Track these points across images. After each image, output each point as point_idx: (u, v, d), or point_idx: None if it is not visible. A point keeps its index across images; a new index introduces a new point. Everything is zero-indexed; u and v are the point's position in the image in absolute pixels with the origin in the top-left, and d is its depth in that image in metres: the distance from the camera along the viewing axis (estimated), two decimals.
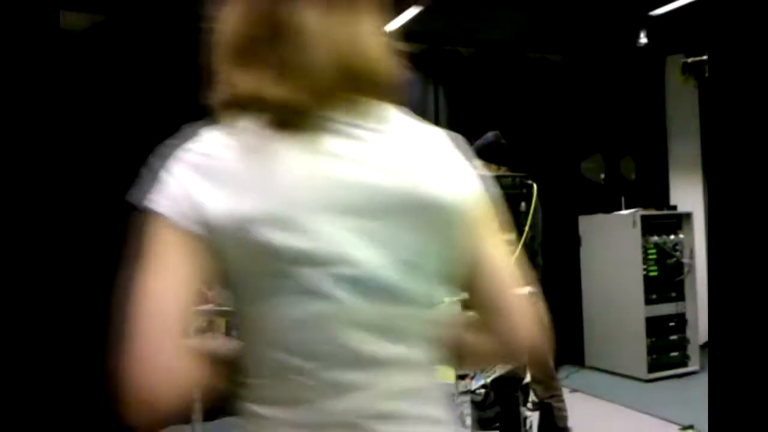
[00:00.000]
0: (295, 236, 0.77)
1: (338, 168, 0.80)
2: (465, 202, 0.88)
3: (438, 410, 0.92)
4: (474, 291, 0.93)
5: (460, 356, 1.06)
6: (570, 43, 5.47)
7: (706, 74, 4.89)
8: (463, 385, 2.03)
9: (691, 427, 3.79)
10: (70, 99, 3.75)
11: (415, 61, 5.10)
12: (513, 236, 2.16)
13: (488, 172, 3.15)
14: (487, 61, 5.33)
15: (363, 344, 0.81)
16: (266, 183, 0.78)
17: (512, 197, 2.15)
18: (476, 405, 3.85)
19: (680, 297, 5.20)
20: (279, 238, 0.77)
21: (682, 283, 5.22)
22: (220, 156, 0.79)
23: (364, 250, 0.80)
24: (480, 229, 0.90)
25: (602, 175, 5.35)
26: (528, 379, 2.54)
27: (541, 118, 5.48)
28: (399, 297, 0.83)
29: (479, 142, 3.22)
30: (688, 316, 5.21)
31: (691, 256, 5.21)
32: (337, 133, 0.82)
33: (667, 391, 4.70)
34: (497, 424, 3.66)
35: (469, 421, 2.05)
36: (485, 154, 3.15)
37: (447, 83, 5.20)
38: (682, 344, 5.18)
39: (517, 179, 2.16)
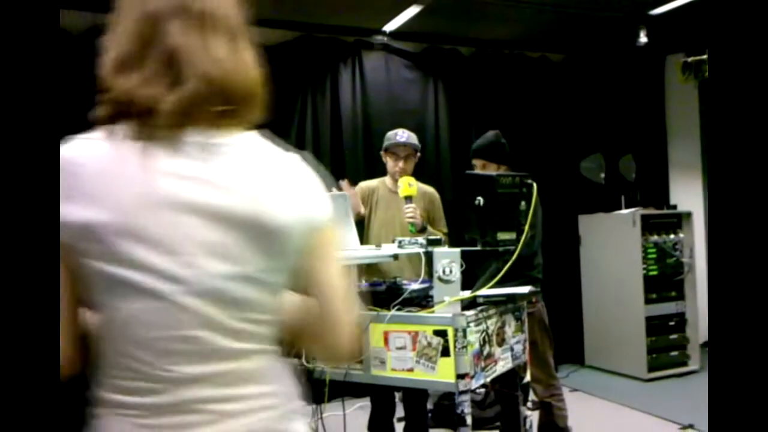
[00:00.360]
0: (141, 245, 0.87)
1: (187, 187, 0.89)
2: (303, 226, 0.98)
3: (275, 387, 1.02)
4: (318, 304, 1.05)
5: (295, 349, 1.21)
6: (570, 42, 5.47)
7: (707, 73, 4.89)
8: (464, 384, 2.03)
9: (690, 426, 3.80)
10: (71, 99, 3.75)
11: (415, 60, 5.11)
12: (513, 235, 2.16)
13: (489, 171, 3.16)
14: (487, 61, 5.33)
15: (207, 341, 0.92)
16: (118, 194, 0.87)
17: (512, 196, 2.15)
18: (476, 404, 3.86)
19: (680, 296, 5.21)
20: (126, 246, 0.86)
21: (681, 282, 5.22)
22: (82, 164, 0.88)
23: (207, 261, 0.90)
24: (316, 251, 1.01)
25: (602, 175, 5.35)
26: (528, 378, 2.54)
27: (541, 117, 5.48)
28: (239, 303, 0.94)
29: (479, 141, 3.22)
30: (688, 316, 5.22)
31: (691, 256, 5.21)
32: (191, 151, 0.90)
33: (666, 390, 4.71)
34: (497, 423, 3.67)
35: (469, 420, 2.05)
36: (485, 153, 3.15)
37: (447, 82, 5.20)
38: (682, 343, 5.18)
39: (517, 178, 2.16)
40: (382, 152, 3.38)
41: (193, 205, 0.89)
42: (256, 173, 0.94)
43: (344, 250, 1.12)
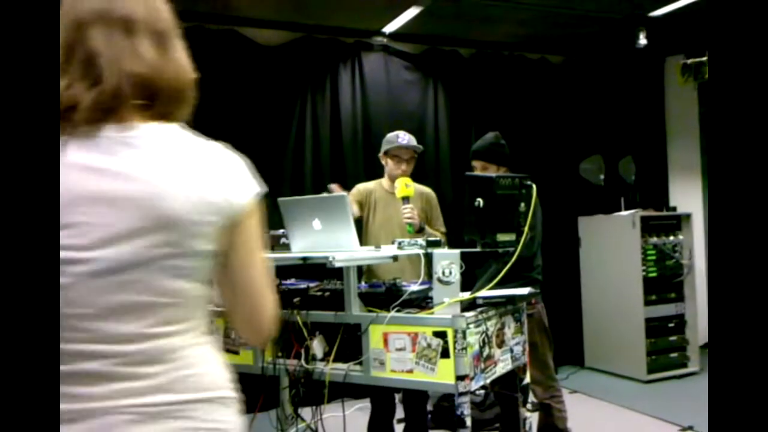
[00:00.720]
0: (64, 231, 0.95)
1: (96, 178, 0.97)
2: (212, 213, 1.02)
3: (188, 369, 1.05)
4: (225, 291, 1.11)
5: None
6: (570, 44, 5.48)
7: (706, 75, 4.90)
8: (463, 385, 2.03)
9: (690, 428, 3.80)
10: None
11: (415, 61, 5.11)
12: (513, 237, 2.16)
13: (489, 173, 3.16)
14: (487, 62, 5.33)
15: (108, 321, 0.99)
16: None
17: (511, 198, 2.15)
18: (476, 406, 3.85)
19: (680, 298, 5.21)
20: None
21: (681, 284, 5.22)
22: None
23: (111, 247, 0.97)
24: (234, 239, 1.06)
25: (602, 176, 5.35)
26: (528, 379, 2.54)
27: (540, 119, 5.48)
28: (143, 286, 0.99)
29: (479, 143, 3.22)
30: (688, 317, 5.22)
31: (691, 257, 5.22)
32: (103, 145, 0.98)
33: (666, 392, 4.71)
34: (497, 425, 3.66)
35: (468, 421, 2.05)
36: (485, 155, 3.15)
37: (447, 84, 5.20)
38: (682, 345, 5.18)
39: (517, 180, 2.16)
40: (381, 155, 3.38)
41: (100, 195, 0.96)
42: (164, 163, 1.00)
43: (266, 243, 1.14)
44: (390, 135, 3.37)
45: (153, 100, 1.02)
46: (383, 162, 3.38)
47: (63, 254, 0.95)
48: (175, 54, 1.06)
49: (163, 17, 1.06)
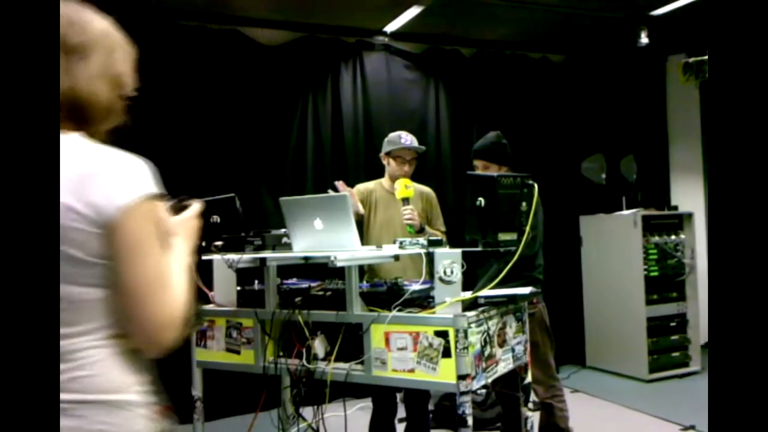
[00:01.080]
0: None
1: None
2: (90, 218, 1.04)
3: (85, 371, 1.08)
4: (114, 296, 1.09)
5: None
6: (571, 43, 5.47)
7: (707, 74, 4.88)
8: (465, 385, 2.03)
9: (692, 427, 3.79)
10: None
11: (416, 60, 5.11)
12: (514, 236, 2.16)
13: (490, 172, 3.15)
14: (488, 62, 5.33)
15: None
16: None
17: (513, 197, 2.15)
18: (477, 405, 3.86)
19: (681, 297, 5.20)
20: None
21: (683, 283, 5.21)
22: None
23: None
24: (115, 245, 1.06)
25: (603, 176, 5.35)
26: (529, 379, 2.54)
27: (542, 118, 5.48)
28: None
29: (480, 142, 3.22)
30: (689, 317, 5.21)
31: (692, 257, 5.21)
32: None
33: (668, 391, 4.70)
34: (498, 425, 3.66)
35: (470, 421, 2.05)
36: (487, 154, 3.14)
37: (448, 83, 5.20)
38: (683, 344, 5.18)
39: (518, 179, 2.15)
40: (382, 155, 3.38)
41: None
42: (78, 171, 1.05)
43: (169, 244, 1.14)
44: (392, 135, 3.37)
45: (69, 114, 1.10)
46: (385, 162, 3.38)
47: None
48: (89, 67, 1.12)
49: (78, 33, 1.12)
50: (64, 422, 1.02)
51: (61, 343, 1.04)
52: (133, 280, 1.06)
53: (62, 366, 1.03)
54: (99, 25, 1.15)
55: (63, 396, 1.02)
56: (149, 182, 1.10)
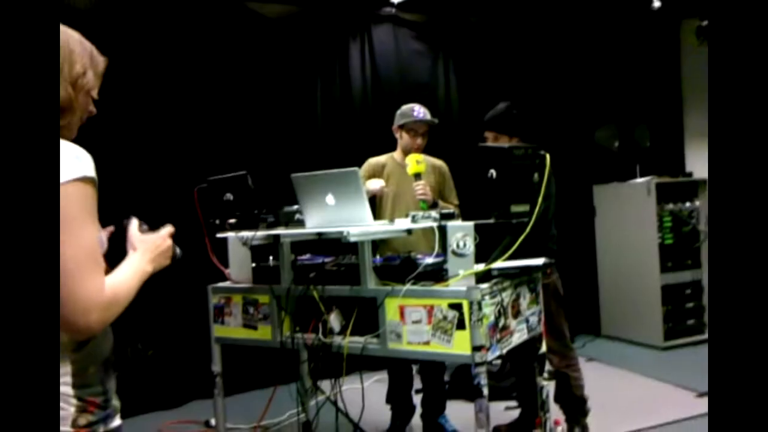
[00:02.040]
0: None
1: None
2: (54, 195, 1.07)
3: None
4: None
5: None
6: (582, 8, 5.37)
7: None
8: (479, 356, 2.05)
9: (707, 393, 3.80)
10: None
11: (423, 31, 5.04)
12: (527, 207, 2.16)
13: (501, 143, 3.12)
14: (497, 29, 5.25)
15: None
16: None
17: (525, 168, 2.14)
18: (492, 375, 3.89)
19: (696, 264, 5.18)
20: None
21: (698, 250, 5.19)
22: None
23: None
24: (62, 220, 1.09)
25: (616, 143, 5.29)
26: (544, 349, 2.55)
27: (553, 86, 5.41)
28: None
29: (491, 113, 3.19)
30: (704, 284, 5.19)
31: (707, 223, 5.17)
32: None
33: (683, 358, 4.71)
34: (514, 394, 3.70)
35: (485, 391, 2.07)
36: (497, 125, 3.12)
37: (456, 53, 5.14)
38: (699, 312, 5.17)
39: (530, 150, 2.14)
40: (395, 128, 3.36)
41: None
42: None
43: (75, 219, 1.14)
44: (405, 108, 3.34)
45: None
46: (397, 135, 3.36)
47: None
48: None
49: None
50: None
51: None
52: (62, 256, 1.08)
53: None
54: (62, 36, 1.24)
55: None
56: (84, 167, 1.15)
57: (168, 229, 1.45)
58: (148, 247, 1.37)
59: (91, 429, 1.22)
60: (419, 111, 3.28)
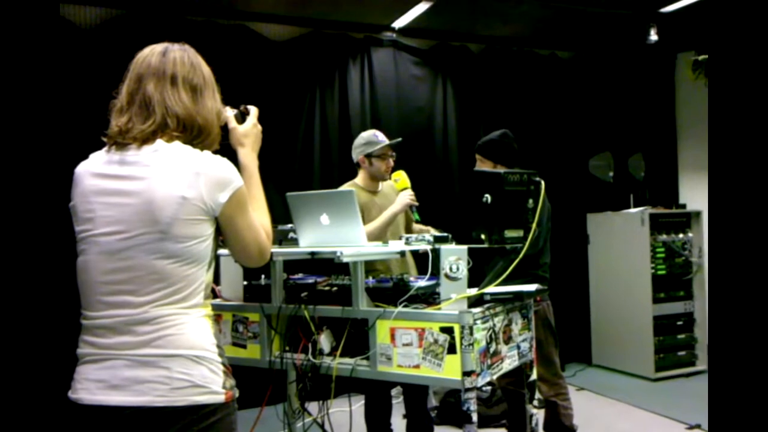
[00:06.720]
0: (84, 217, 1.43)
1: (113, 182, 1.41)
2: (199, 208, 1.40)
3: (166, 333, 1.38)
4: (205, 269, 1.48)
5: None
6: (580, 40, 5.45)
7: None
8: (470, 381, 2.04)
9: (698, 426, 3.78)
10: (81, 95, 3.77)
11: (424, 57, 5.09)
12: (520, 233, 2.16)
13: (486, 168, 3.13)
14: (497, 58, 5.31)
15: (116, 291, 1.39)
16: (80, 188, 1.46)
17: (519, 194, 2.15)
18: (482, 402, 3.86)
19: (688, 296, 5.19)
20: (80, 219, 1.45)
21: (690, 281, 5.20)
22: (77, 173, 1.49)
23: (109, 229, 1.39)
24: (230, 220, 1.48)
25: (611, 173, 5.33)
26: (534, 376, 2.54)
27: (550, 115, 5.45)
28: (133, 263, 1.38)
29: (484, 138, 3.23)
30: (696, 315, 5.19)
31: (700, 255, 5.19)
32: (119, 159, 1.43)
33: (674, 390, 4.69)
34: (503, 421, 3.67)
35: (475, 417, 2.05)
36: (485, 150, 3.15)
37: (456, 79, 5.19)
38: (690, 343, 5.16)
39: (525, 176, 2.15)
40: (360, 158, 3.30)
41: (107, 191, 1.41)
42: (158, 167, 1.38)
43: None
44: (366, 136, 3.31)
45: (185, 131, 1.44)
46: (363, 164, 3.30)
47: (87, 233, 1.41)
48: (205, 102, 1.50)
49: (198, 75, 1.51)
50: (156, 372, 1.33)
51: (155, 308, 1.36)
52: (240, 239, 1.48)
53: (150, 327, 1.35)
54: (206, 69, 1.53)
55: (150, 351, 1.34)
56: (238, 176, 1.46)
57: (255, 112, 1.72)
58: (254, 141, 1.69)
59: (233, 392, 1.43)
60: (381, 134, 3.31)
